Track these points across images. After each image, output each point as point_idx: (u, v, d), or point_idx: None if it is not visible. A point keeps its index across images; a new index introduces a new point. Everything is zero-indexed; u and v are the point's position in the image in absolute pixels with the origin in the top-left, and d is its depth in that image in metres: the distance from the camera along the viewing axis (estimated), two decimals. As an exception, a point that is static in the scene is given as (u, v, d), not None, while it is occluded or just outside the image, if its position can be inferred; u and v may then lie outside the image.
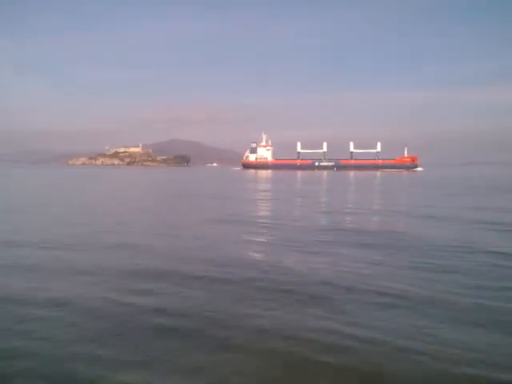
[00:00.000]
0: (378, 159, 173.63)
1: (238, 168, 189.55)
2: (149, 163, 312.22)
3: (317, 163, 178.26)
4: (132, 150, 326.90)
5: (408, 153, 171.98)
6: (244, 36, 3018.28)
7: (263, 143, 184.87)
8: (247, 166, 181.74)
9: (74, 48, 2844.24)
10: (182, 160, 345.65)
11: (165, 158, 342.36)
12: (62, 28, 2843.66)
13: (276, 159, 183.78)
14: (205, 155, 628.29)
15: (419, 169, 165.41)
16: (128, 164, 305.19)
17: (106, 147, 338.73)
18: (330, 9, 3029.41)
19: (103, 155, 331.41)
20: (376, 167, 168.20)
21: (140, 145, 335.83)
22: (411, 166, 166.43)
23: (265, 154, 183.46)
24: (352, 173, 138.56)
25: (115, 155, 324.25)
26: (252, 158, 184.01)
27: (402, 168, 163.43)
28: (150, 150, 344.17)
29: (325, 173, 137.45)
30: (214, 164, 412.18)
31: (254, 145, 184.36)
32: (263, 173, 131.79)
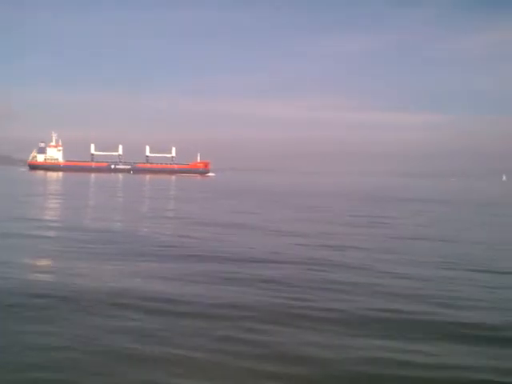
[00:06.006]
0: (174, 164, 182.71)
1: (24, 169, 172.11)
2: None
3: (113, 166, 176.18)
4: None
5: (201, 158, 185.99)
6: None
7: (53, 143, 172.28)
8: (35, 167, 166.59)
9: None
10: None
11: None
12: None
13: (68, 160, 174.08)
14: None
15: (211, 174, 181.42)
16: None
17: None
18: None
19: None
20: (171, 172, 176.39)
21: None
22: (204, 171, 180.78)
23: (55, 154, 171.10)
24: (148, 176, 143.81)
25: None
26: (40, 158, 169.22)
27: (195, 173, 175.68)
28: None
29: (120, 176, 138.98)
30: None
31: (42, 144, 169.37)
32: (53, 175, 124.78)
